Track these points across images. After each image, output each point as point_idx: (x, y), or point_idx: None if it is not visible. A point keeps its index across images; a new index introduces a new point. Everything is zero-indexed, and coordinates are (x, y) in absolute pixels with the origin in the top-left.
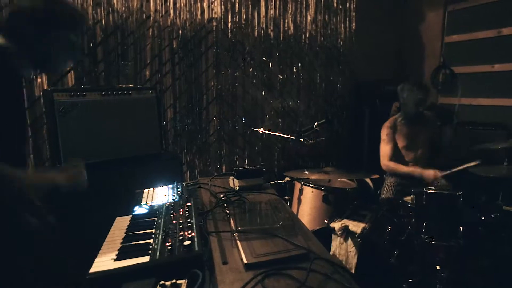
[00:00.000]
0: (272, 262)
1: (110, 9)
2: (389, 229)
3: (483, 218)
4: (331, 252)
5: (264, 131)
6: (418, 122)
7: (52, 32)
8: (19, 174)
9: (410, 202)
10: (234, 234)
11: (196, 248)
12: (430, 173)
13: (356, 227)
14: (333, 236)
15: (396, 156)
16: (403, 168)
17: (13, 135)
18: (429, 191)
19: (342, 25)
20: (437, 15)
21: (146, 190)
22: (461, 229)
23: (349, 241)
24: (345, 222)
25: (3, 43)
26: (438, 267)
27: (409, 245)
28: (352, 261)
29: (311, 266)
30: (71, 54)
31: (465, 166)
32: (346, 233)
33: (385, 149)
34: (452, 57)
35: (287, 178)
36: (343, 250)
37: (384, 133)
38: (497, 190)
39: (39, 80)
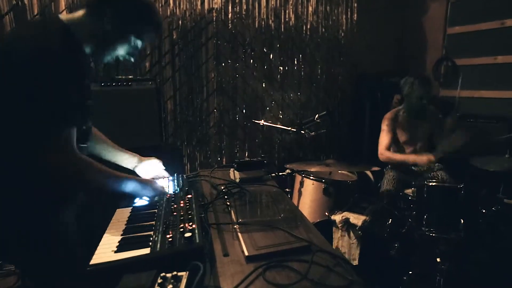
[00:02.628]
0: (273, 254)
1: None
2: (389, 222)
3: (483, 211)
4: (333, 245)
5: (264, 123)
6: (420, 115)
7: (126, 30)
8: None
9: (411, 194)
10: (235, 226)
11: (197, 240)
12: (423, 158)
13: (357, 219)
14: (334, 228)
15: (395, 148)
16: (398, 156)
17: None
18: (430, 184)
19: (344, 16)
20: (440, 6)
21: None
22: (461, 221)
23: (351, 233)
24: (346, 214)
25: (80, 17)
26: (438, 260)
27: (409, 237)
28: (355, 253)
29: (312, 258)
30: (128, 54)
31: (457, 145)
32: (347, 225)
33: (383, 139)
34: (454, 49)
35: (287, 171)
36: (344, 242)
37: (385, 123)
38: (498, 183)
39: None
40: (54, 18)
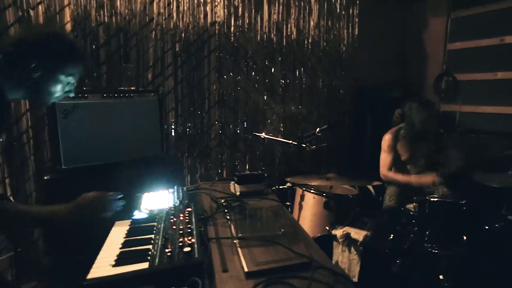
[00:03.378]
0: (273, 271)
1: (113, 11)
2: (391, 237)
3: (486, 227)
4: (333, 260)
5: (265, 136)
6: (421, 135)
7: (48, 66)
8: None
9: (413, 210)
10: (235, 241)
11: (196, 255)
12: (428, 179)
13: (358, 234)
14: (334, 243)
15: (397, 166)
16: (401, 177)
17: None
18: (432, 199)
19: (345, 31)
20: (440, 22)
21: (146, 194)
22: (464, 238)
23: (351, 248)
24: (347, 229)
25: (2, 66)
26: (441, 277)
27: (411, 253)
28: (355, 269)
29: (313, 276)
30: (62, 91)
31: (460, 165)
32: (348, 240)
33: (385, 159)
34: (455, 64)
35: (288, 184)
36: (345, 258)
37: (385, 144)
38: (501, 199)
39: None
40: None
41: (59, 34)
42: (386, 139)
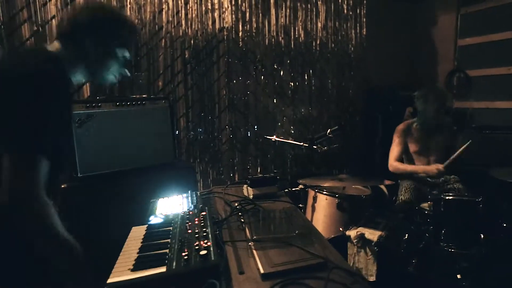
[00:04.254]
0: (289, 272)
1: None
2: (406, 237)
3: (504, 224)
4: (348, 261)
5: (276, 138)
6: (435, 129)
7: (108, 44)
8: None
9: (427, 209)
10: (250, 243)
11: (213, 258)
12: (432, 168)
13: (372, 235)
14: (349, 244)
15: (406, 159)
16: (407, 167)
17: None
18: (447, 197)
19: (353, 31)
20: (450, 18)
21: (160, 200)
22: (482, 236)
23: (367, 249)
24: (361, 230)
25: (59, 49)
26: (459, 276)
27: (427, 253)
28: (372, 269)
29: (329, 276)
30: (122, 67)
31: (461, 149)
32: (362, 241)
33: (393, 150)
34: (466, 60)
35: (300, 186)
36: (361, 258)
37: (396, 135)
38: None
39: None
40: (41, 48)
41: (106, 8)
42: (398, 130)
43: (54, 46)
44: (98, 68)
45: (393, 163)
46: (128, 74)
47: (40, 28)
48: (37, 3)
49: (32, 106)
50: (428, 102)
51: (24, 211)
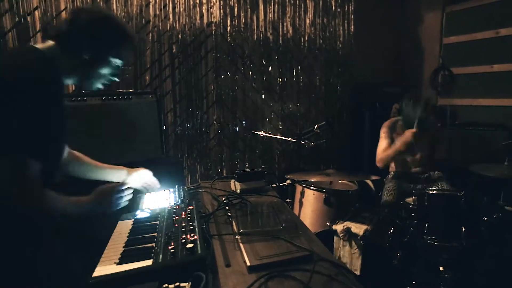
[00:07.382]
0: (275, 264)
1: None
2: (391, 231)
3: (485, 218)
4: (334, 255)
5: (264, 134)
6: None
7: (105, 53)
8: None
9: (412, 203)
10: (237, 237)
11: (199, 251)
12: (407, 135)
13: (358, 229)
14: (335, 238)
15: (395, 156)
16: (390, 150)
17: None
18: (430, 192)
19: (341, 28)
20: (435, 17)
21: (147, 194)
22: (463, 229)
23: (352, 243)
24: (347, 224)
25: (53, 49)
26: (441, 268)
27: (411, 246)
28: (357, 263)
29: (314, 268)
30: (112, 76)
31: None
32: (348, 235)
33: (381, 144)
34: (451, 58)
35: (288, 181)
36: (346, 252)
37: (383, 131)
38: (498, 190)
39: None
40: (32, 47)
41: (110, 17)
42: (385, 125)
43: (47, 45)
44: (89, 73)
45: (379, 155)
46: (118, 80)
47: (22, 20)
48: None
49: (22, 107)
50: (412, 112)
51: (25, 208)
